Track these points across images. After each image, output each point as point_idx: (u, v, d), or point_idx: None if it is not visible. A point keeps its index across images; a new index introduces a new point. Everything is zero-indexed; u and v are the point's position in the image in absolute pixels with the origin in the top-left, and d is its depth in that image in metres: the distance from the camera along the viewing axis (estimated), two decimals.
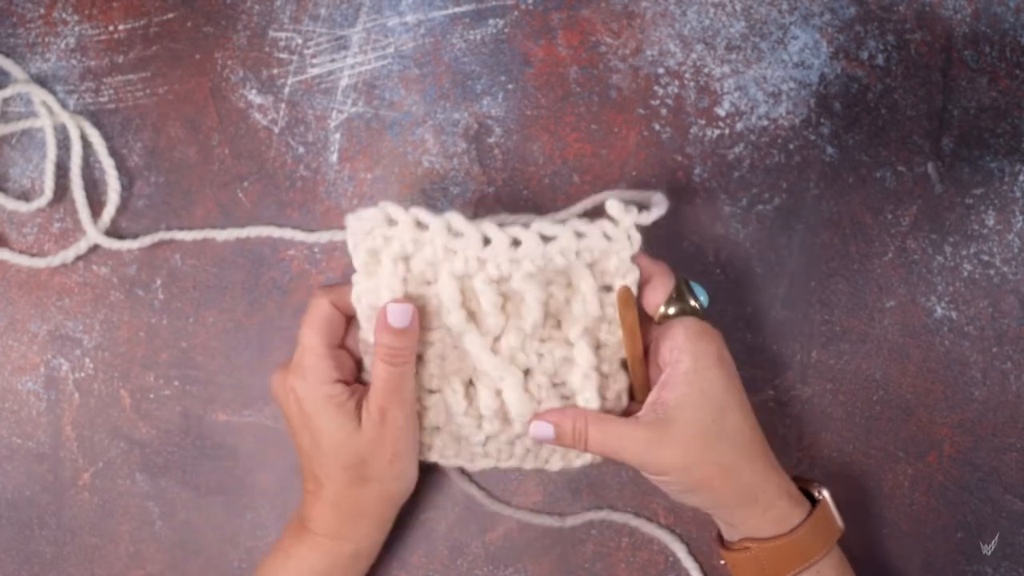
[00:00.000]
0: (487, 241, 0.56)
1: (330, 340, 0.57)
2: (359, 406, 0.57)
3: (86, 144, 0.65)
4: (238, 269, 0.65)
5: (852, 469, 0.64)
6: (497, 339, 0.58)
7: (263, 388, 0.65)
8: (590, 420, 0.56)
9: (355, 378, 0.59)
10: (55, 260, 0.64)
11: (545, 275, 0.57)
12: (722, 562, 0.60)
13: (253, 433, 0.65)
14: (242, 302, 0.65)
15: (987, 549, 0.64)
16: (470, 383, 0.59)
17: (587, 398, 0.57)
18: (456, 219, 0.56)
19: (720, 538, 0.60)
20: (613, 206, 0.56)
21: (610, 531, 0.65)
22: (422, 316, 0.57)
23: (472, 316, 0.58)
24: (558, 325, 0.59)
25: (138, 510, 0.65)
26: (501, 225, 0.56)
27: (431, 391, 0.59)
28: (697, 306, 0.58)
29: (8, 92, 0.65)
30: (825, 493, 0.58)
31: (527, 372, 0.59)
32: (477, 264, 0.56)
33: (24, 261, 0.65)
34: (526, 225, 0.56)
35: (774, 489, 0.56)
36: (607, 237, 0.56)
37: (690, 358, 0.55)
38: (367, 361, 0.59)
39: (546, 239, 0.56)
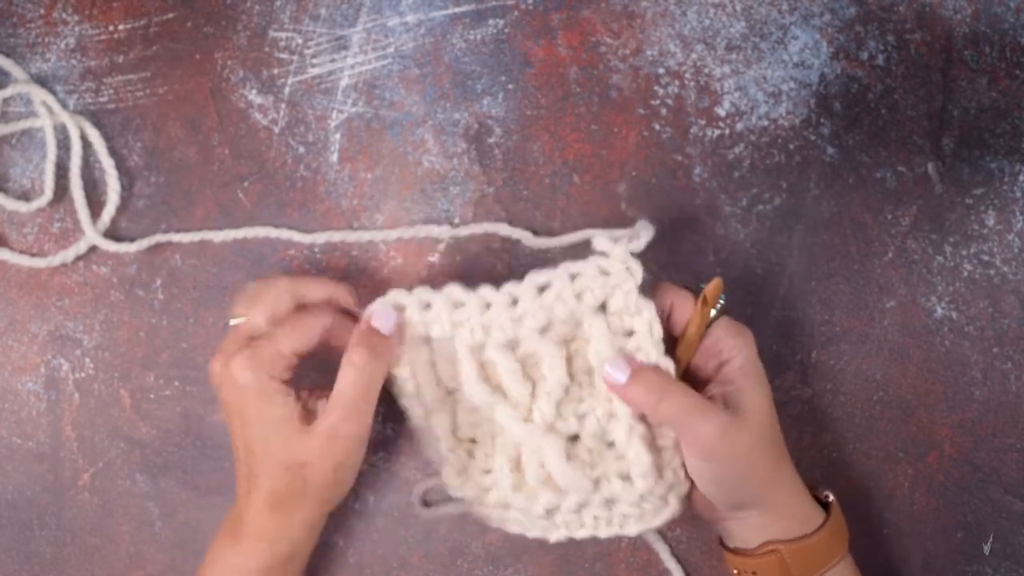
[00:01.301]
0: (489, 306, 0.55)
1: (304, 353, 0.57)
2: (305, 400, 0.57)
3: (86, 144, 0.65)
4: (238, 269, 0.65)
5: (852, 469, 0.64)
6: (530, 407, 0.57)
7: None
8: (673, 383, 0.55)
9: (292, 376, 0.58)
10: (55, 260, 0.64)
11: (559, 330, 0.56)
12: (734, 572, 0.58)
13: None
14: None
15: (986, 549, 0.64)
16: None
17: (637, 451, 0.56)
18: (455, 290, 0.55)
19: (725, 547, 0.59)
20: (600, 241, 0.55)
21: None
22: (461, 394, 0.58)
23: (500, 388, 0.57)
24: (593, 381, 0.57)
25: (138, 510, 0.65)
26: (500, 285, 0.56)
27: (487, 471, 0.58)
28: (719, 308, 0.58)
29: (8, 92, 0.65)
30: (831, 496, 0.58)
31: (575, 437, 0.57)
32: (483, 332, 0.55)
33: (24, 261, 0.65)
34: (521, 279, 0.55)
35: (803, 488, 0.57)
36: (604, 272, 0.55)
37: (740, 354, 0.56)
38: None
39: (542, 289, 0.55)
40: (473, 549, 0.65)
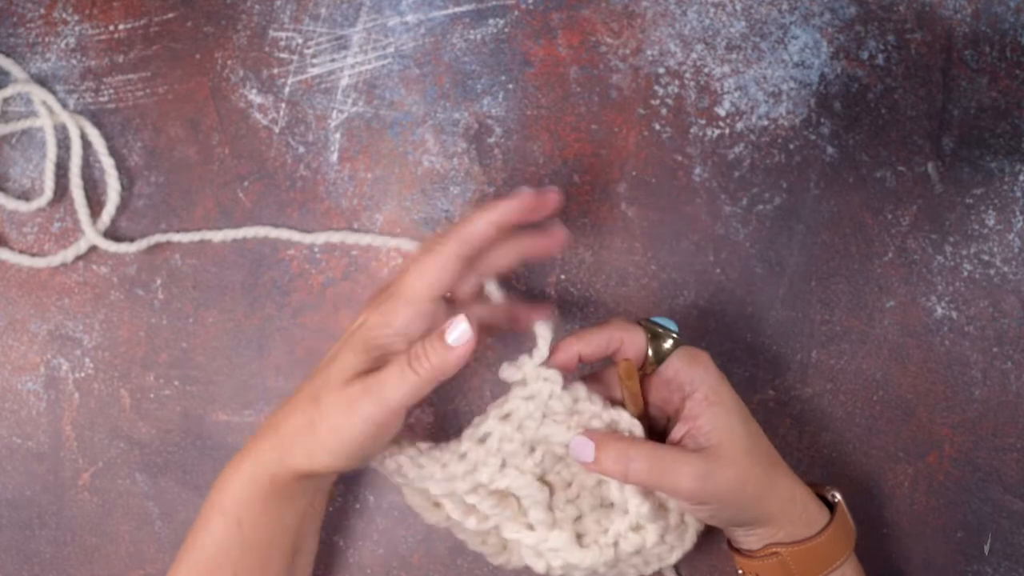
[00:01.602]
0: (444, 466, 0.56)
1: (435, 296, 0.54)
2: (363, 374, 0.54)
3: (86, 144, 0.65)
4: (238, 269, 0.65)
5: (852, 469, 0.64)
6: (528, 521, 0.57)
7: (263, 388, 0.65)
8: (637, 447, 0.54)
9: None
10: (55, 260, 0.64)
11: (518, 452, 0.56)
12: (739, 572, 0.58)
13: (253, 433, 0.65)
14: (242, 302, 0.65)
15: (985, 549, 0.64)
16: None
17: (634, 503, 0.56)
18: (405, 463, 0.56)
19: (731, 547, 0.59)
20: (509, 372, 0.56)
21: None
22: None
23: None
24: (569, 464, 0.58)
25: (138, 510, 0.65)
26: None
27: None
28: (673, 339, 0.57)
29: (8, 92, 0.65)
30: (838, 495, 0.58)
31: (578, 518, 0.58)
32: (471, 484, 0.56)
33: (24, 261, 0.65)
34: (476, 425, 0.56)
35: (803, 491, 0.56)
36: (530, 397, 0.55)
37: (701, 384, 0.55)
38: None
39: (483, 439, 0.56)
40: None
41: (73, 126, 0.64)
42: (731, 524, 0.57)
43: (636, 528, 0.57)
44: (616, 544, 0.57)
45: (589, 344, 0.56)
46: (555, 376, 0.55)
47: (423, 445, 0.57)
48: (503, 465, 0.56)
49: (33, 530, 0.65)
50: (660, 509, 0.57)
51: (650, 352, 0.57)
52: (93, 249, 0.65)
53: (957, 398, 0.64)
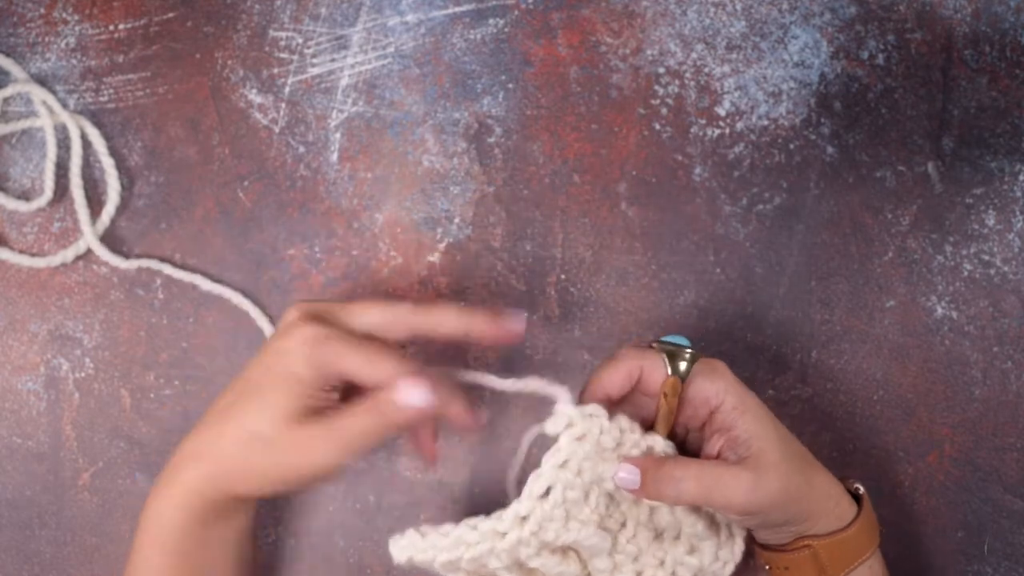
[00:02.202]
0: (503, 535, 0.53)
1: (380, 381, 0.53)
2: (325, 402, 0.53)
3: (86, 144, 0.65)
4: (238, 269, 0.65)
5: (852, 469, 0.64)
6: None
7: None
8: (682, 467, 0.53)
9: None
10: (55, 260, 0.64)
11: (584, 498, 0.54)
12: (766, 567, 0.58)
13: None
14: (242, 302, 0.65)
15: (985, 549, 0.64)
16: None
17: (688, 522, 0.55)
18: (466, 533, 0.53)
19: (756, 542, 0.58)
20: (548, 425, 0.54)
21: None
22: None
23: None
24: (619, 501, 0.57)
25: (138, 510, 0.65)
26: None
27: None
28: (689, 355, 0.56)
29: (8, 91, 0.65)
30: (861, 488, 0.58)
31: (636, 557, 0.56)
32: (537, 546, 0.53)
33: (24, 261, 0.65)
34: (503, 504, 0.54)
35: (837, 486, 0.56)
36: (581, 437, 0.53)
37: (727, 394, 0.54)
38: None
39: (545, 494, 0.53)
40: None
41: (73, 126, 0.64)
42: (774, 526, 0.56)
43: (691, 551, 0.56)
44: (674, 573, 0.56)
45: (613, 383, 0.55)
46: (599, 410, 0.54)
47: (449, 527, 0.54)
48: (567, 518, 0.53)
49: (33, 530, 0.65)
50: (712, 526, 0.56)
51: (669, 372, 0.56)
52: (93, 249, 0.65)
53: (957, 398, 0.64)
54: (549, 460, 0.53)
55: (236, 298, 0.64)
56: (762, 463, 0.53)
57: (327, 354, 0.52)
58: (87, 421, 0.65)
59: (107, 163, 0.64)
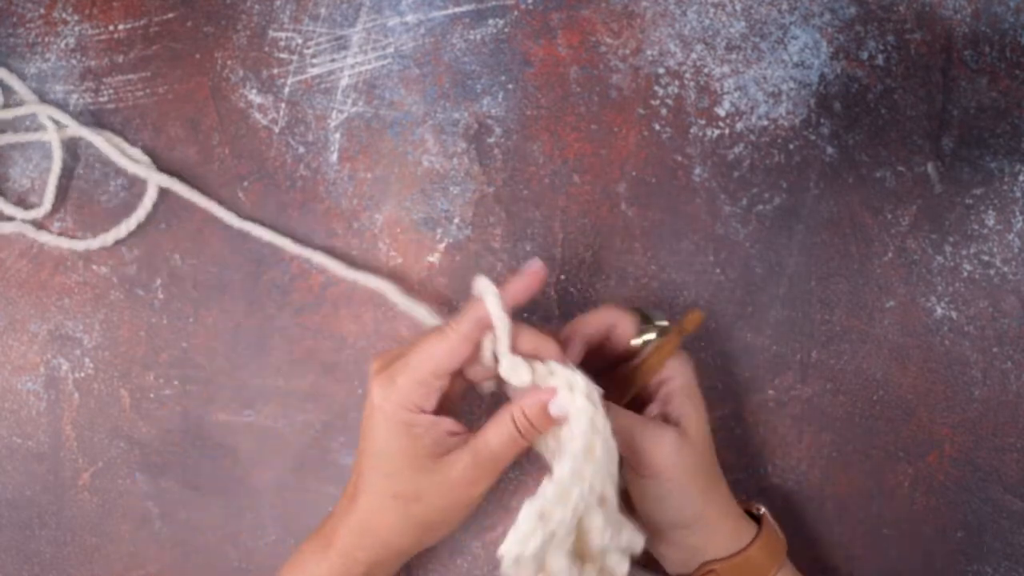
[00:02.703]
0: None
1: (439, 372, 0.53)
2: (441, 438, 0.54)
3: (87, 146, 0.65)
4: (238, 269, 0.65)
5: (852, 469, 0.64)
6: None
7: (263, 388, 0.65)
8: (623, 409, 0.56)
9: (446, 408, 0.55)
10: (95, 243, 0.64)
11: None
12: None
13: (253, 433, 0.65)
14: (242, 302, 0.65)
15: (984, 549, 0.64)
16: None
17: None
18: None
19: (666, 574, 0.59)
20: (554, 407, 0.54)
21: None
22: None
23: None
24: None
25: (138, 510, 0.65)
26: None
27: None
28: (660, 328, 0.58)
29: (21, 111, 0.65)
30: (763, 508, 0.59)
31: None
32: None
33: (64, 243, 0.64)
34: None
35: (735, 506, 0.58)
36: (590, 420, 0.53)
37: (680, 374, 0.57)
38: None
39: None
40: (473, 549, 0.65)
41: (92, 136, 0.64)
42: (669, 518, 0.56)
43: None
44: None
45: (587, 325, 0.58)
46: (594, 392, 0.53)
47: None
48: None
49: (33, 530, 0.65)
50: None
51: (642, 339, 0.58)
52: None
53: (957, 398, 0.64)
54: (568, 451, 0.53)
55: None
56: (687, 436, 0.55)
57: (401, 377, 0.53)
58: (87, 421, 0.65)
59: (119, 162, 0.64)
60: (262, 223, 0.65)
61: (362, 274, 0.63)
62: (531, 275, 0.55)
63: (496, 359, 0.54)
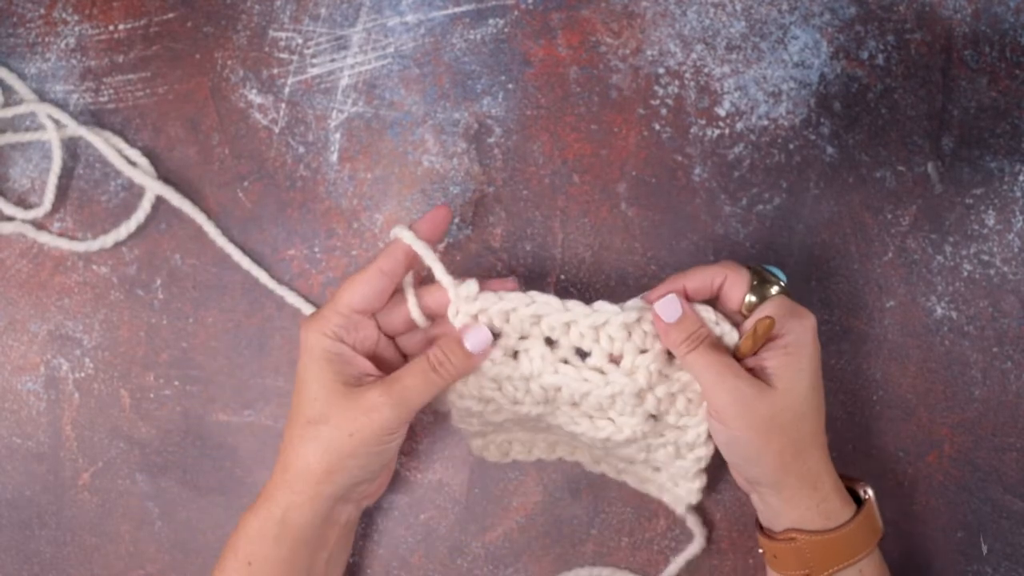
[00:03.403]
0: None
1: (357, 304, 0.56)
2: (359, 374, 0.56)
3: (87, 146, 0.65)
4: (238, 269, 0.65)
5: (852, 469, 0.64)
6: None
7: (263, 388, 0.65)
8: (708, 339, 0.56)
9: (370, 350, 0.58)
10: (94, 245, 0.64)
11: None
12: (759, 550, 0.59)
13: (253, 433, 0.65)
14: (242, 302, 0.65)
15: (984, 548, 0.64)
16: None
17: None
18: (536, 295, 0.56)
19: (759, 524, 0.59)
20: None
21: (610, 531, 0.65)
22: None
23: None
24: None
25: (138, 510, 0.65)
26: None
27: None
28: (779, 287, 0.57)
29: (21, 109, 0.65)
30: (870, 492, 0.58)
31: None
32: (562, 330, 0.56)
33: (64, 244, 0.65)
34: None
35: (831, 482, 0.56)
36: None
37: (791, 334, 0.56)
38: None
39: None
40: (473, 549, 0.65)
41: (92, 136, 0.64)
42: (742, 468, 0.57)
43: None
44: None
45: (693, 280, 0.57)
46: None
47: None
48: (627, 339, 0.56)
49: (33, 530, 0.65)
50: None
51: (752, 297, 0.57)
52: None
53: (957, 398, 0.64)
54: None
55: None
56: (768, 394, 0.54)
57: (324, 308, 0.56)
58: (87, 421, 0.65)
59: (119, 165, 0.64)
60: (262, 223, 0.65)
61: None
62: (436, 211, 0.57)
63: (417, 301, 0.58)
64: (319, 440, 0.55)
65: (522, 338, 0.56)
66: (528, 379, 0.56)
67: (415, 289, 0.58)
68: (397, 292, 0.58)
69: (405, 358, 0.60)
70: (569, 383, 0.56)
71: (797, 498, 0.56)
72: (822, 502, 0.56)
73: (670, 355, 0.57)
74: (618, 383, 0.56)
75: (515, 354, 0.56)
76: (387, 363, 0.59)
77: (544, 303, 0.56)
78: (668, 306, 0.56)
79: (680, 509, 0.62)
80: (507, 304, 0.55)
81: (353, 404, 0.55)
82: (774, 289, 0.57)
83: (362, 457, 0.55)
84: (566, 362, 0.56)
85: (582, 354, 0.57)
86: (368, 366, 0.57)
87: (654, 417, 0.58)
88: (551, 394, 0.57)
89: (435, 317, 0.59)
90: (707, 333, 0.56)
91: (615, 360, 0.56)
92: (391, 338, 0.59)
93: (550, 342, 0.56)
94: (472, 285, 0.56)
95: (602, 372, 0.56)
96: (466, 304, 0.56)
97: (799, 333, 0.56)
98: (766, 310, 0.56)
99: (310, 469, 0.55)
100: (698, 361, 0.55)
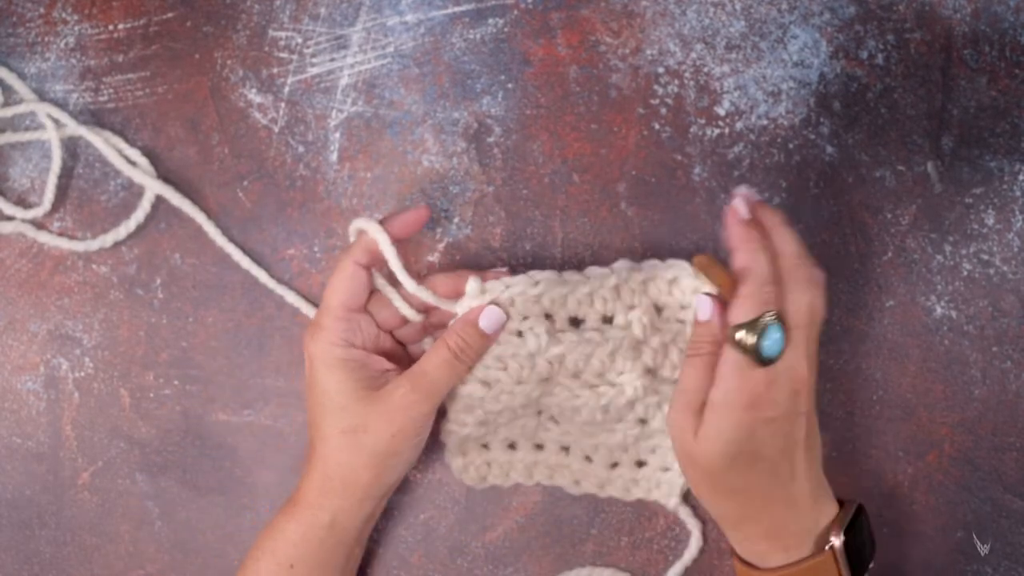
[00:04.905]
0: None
1: (349, 303, 0.57)
2: (377, 373, 0.57)
3: (87, 146, 0.65)
4: (238, 269, 0.65)
5: (852, 469, 0.64)
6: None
7: (263, 388, 0.65)
8: (707, 359, 0.54)
9: (374, 345, 0.59)
10: (94, 244, 0.64)
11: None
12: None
13: (253, 433, 0.65)
14: (242, 302, 0.65)
15: (984, 549, 0.64)
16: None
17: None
18: (535, 273, 0.59)
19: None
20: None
21: (609, 530, 0.65)
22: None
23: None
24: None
25: (138, 510, 0.65)
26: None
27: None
28: (759, 350, 0.52)
29: (20, 109, 0.65)
30: (836, 542, 0.54)
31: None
32: (560, 303, 0.59)
33: (63, 244, 0.65)
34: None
35: (798, 518, 0.55)
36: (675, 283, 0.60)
37: (717, 393, 0.53)
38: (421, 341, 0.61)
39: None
40: (473, 549, 0.65)
41: (91, 135, 0.64)
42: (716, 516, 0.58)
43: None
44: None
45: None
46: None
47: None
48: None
49: (33, 530, 0.65)
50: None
51: (738, 335, 0.52)
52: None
53: (957, 398, 0.64)
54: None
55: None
56: (700, 430, 0.53)
57: (321, 318, 0.57)
58: (87, 421, 0.65)
59: (119, 165, 0.64)
60: (261, 223, 0.65)
61: None
62: (414, 212, 0.58)
63: (395, 287, 0.59)
64: (362, 448, 0.56)
65: (525, 318, 0.58)
66: (534, 355, 0.58)
67: (398, 288, 0.59)
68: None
69: (403, 346, 0.61)
70: (573, 349, 0.58)
71: (753, 531, 0.56)
72: (789, 537, 0.55)
73: (658, 309, 0.59)
74: (616, 336, 0.58)
75: (519, 333, 0.58)
76: (391, 353, 0.60)
77: (546, 281, 0.58)
78: (704, 305, 0.55)
79: (672, 501, 0.63)
80: (515, 290, 0.57)
81: (386, 406, 0.56)
82: (752, 345, 0.52)
83: (405, 452, 0.57)
84: (564, 332, 0.58)
85: (577, 322, 0.60)
86: (382, 361, 0.58)
87: (651, 373, 0.59)
88: (555, 368, 0.58)
89: (428, 309, 0.59)
90: (711, 351, 0.54)
91: (607, 320, 0.59)
92: (387, 331, 0.60)
93: (548, 316, 0.59)
94: (476, 283, 0.58)
95: (600, 331, 0.58)
96: (477, 300, 0.58)
97: (725, 397, 0.52)
98: (723, 356, 0.53)
99: (358, 477, 0.57)
100: (685, 369, 0.55)
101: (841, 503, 0.57)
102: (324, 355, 0.56)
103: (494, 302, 0.57)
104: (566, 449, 0.63)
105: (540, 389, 0.59)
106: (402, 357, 0.61)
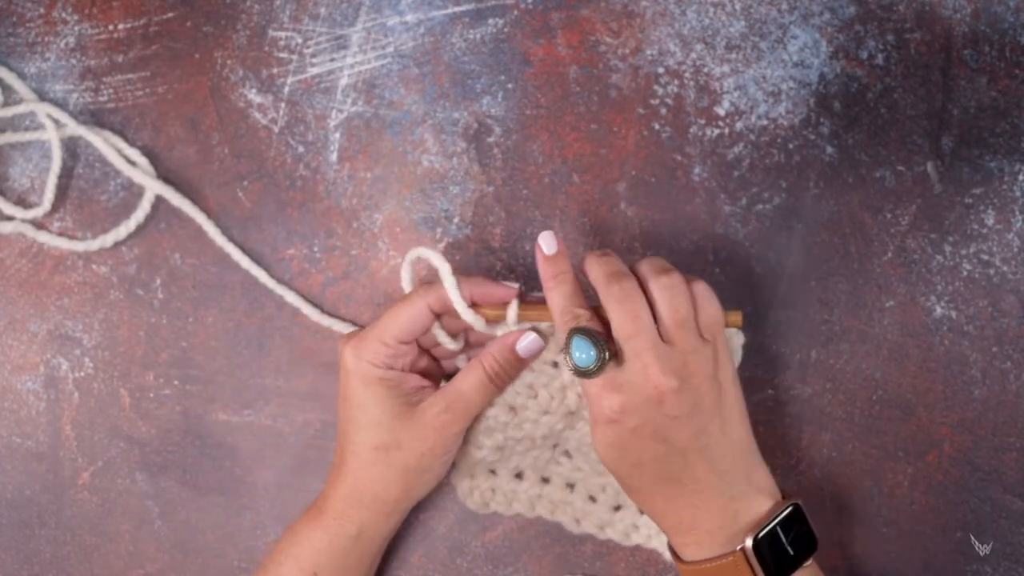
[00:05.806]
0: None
1: (404, 337, 0.57)
2: (412, 391, 0.58)
3: (87, 146, 0.65)
4: (238, 269, 0.65)
5: (852, 469, 0.64)
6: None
7: (263, 388, 0.65)
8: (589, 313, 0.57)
9: (411, 364, 0.59)
10: (94, 244, 0.64)
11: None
12: None
13: (253, 433, 0.65)
14: (242, 302, 0.65)
15: (984, 549, 0.64)
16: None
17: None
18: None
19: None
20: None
21: None
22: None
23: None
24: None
25: (138, 510, 0.65)
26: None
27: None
28: (576, 365, 0.53)
29: (20, 109, 0.65)
30: (747, 543, 0.53)
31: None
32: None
33: (63, 244, 0.65)
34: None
35: (711, 516, 0.55)
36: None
37: (589, 411, 0.55)
38: (456, 359, 0.61)
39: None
40: (473, 548, 0.65)
41: (91, 135, 0.64)
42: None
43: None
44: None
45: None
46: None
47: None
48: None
49: (33, 530, 0.65)
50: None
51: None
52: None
53: (957, 398, 0.64)
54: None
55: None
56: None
57: (370, 337, 0.57)
58: (87, 421, 0.65)
59: (119, 165, 0.64)
60: (261, 223, 0.65)
61: (336, 321, 0.65)
62: (504, 290, 0.58)
63: (447, 333, 0.59)
64: (394, 466, 0.57)
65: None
66: (565, 387, 0.58)
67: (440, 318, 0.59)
68: None
69: (436, 360, 0.62)
70: None
71: (671, 523, 0.56)
72: (702, 532, 0.55)
73: None
74: None
75: (554, 364, 0.58)
76: (426, 370, 0.61)
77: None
78: (549, 239, 0.57)
79: (670, 553, 0.60)
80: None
81: (420, 424, 0.57)
82: (563, 358, 0.56)
83: (435, 468, 0.59)
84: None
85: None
86: (418, 379, 0.59)
87: None
88: (583, 403, 0.58)
89: (467, 329, 0.60)
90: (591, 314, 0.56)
91: None
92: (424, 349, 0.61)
93: None
94: (513, 310, 0.58)
95: None
96: (517, 324, 0.58)
97: (591, 408, 0.56)
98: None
99: (388, 492, 0.58)
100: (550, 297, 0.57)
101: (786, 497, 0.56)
102: (364, 372, 0.57)
103: (535, 329, 0.57)
104: (571, 486, 0.63)
105: (564, 422, 0.59)
106: (435, 371, 0.61)
